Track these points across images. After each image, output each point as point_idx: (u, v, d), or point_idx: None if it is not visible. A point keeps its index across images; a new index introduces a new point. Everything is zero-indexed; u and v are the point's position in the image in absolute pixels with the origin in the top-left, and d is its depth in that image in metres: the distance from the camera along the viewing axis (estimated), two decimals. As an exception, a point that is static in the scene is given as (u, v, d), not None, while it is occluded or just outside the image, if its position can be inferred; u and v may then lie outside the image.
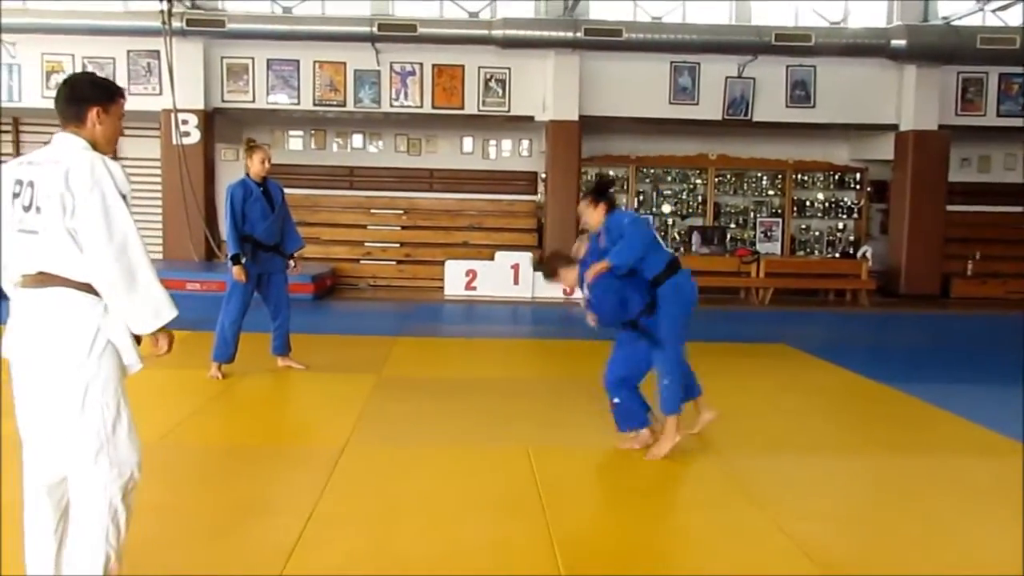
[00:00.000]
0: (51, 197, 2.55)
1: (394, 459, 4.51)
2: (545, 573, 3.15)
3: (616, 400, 4.68)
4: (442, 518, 3.70)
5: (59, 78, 12.99)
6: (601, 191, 4.80)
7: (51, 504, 2.73)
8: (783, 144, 14.56)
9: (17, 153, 14.59)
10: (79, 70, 12.92)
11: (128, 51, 12.96)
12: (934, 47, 12.77)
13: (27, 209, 2.59)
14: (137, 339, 2.71)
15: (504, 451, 4.69)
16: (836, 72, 13.31)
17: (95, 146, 2.71)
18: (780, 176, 14.89)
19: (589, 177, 14.58)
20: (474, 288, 12.68)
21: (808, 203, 14.98)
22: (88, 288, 2.61)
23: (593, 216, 4.74)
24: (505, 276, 12.62)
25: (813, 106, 13.44)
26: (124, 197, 2.61)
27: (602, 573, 3.24)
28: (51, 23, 12.55)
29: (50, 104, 10.89)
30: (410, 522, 3.64)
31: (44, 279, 2.61)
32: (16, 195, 2.62)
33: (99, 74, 10.84)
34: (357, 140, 14.69)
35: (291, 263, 6.75)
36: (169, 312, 2.67)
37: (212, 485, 4.14)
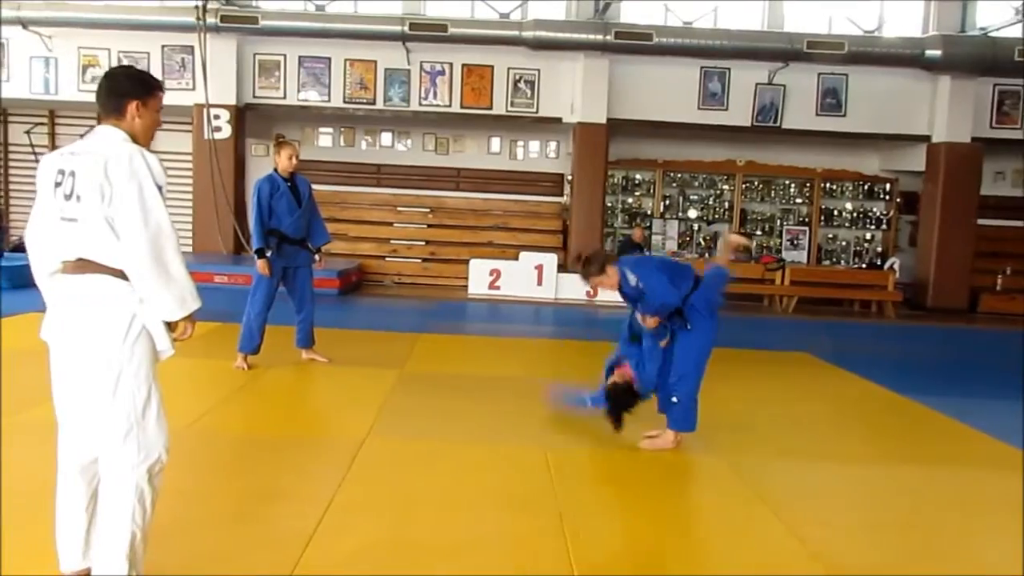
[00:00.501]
0: (91, 186, 2.62)
1: (413, 452, 4.55)
2: (558, 570, 3.17)
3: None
4: (458, 511, 3.75)
5: (95, 72, 13.21)
6: (597, 262, 4.81)
7: (83, 483, 2.81)
8: (812, 152, 14.48)
9: (53, 145, 14.85)
10: (114, 64, 13.14)
11: (163, 46, 13.14)
12: (970, 58, 12.63)
13: (68, 198, 2.67)
14: (170, 326, 2.77)
15: (522, 450, 4.72)
16: (868, 81, 13.21)
17: (134, 138, 2.77)
18: (808, 184, 14.81)
19: (616, 180, 14.61)
20: (498, 287, 12.73)
21: (836, 212, 14.89)
22: (124, 275, 2.67)
23: (609, 282, 4.77)
24: (529, 276, 12.65)
25: (844, 115, 13.35)
26: (160, 188, 2.68)
27: (614, 572, 3.26)
28: (88, 17, 12.76)
29: (86, 97, 11.16)
30: (427, 513, 3.69)
31: (83, 266, 2.69)
32: (58, 184, 2.70)
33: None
34: (386, 138, 14.79)
35: (317, 257, 6.83)
36: (193, 303, 2.74)
37: (235, 472, 4.21)
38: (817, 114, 13.41)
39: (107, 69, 3.04)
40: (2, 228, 12.04)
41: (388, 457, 4.44)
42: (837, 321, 12.02)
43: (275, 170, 6.58)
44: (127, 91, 2.79)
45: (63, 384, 2.79)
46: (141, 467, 2.71)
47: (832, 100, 13.36)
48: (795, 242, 14.71)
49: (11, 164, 14.99)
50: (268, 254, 6.46)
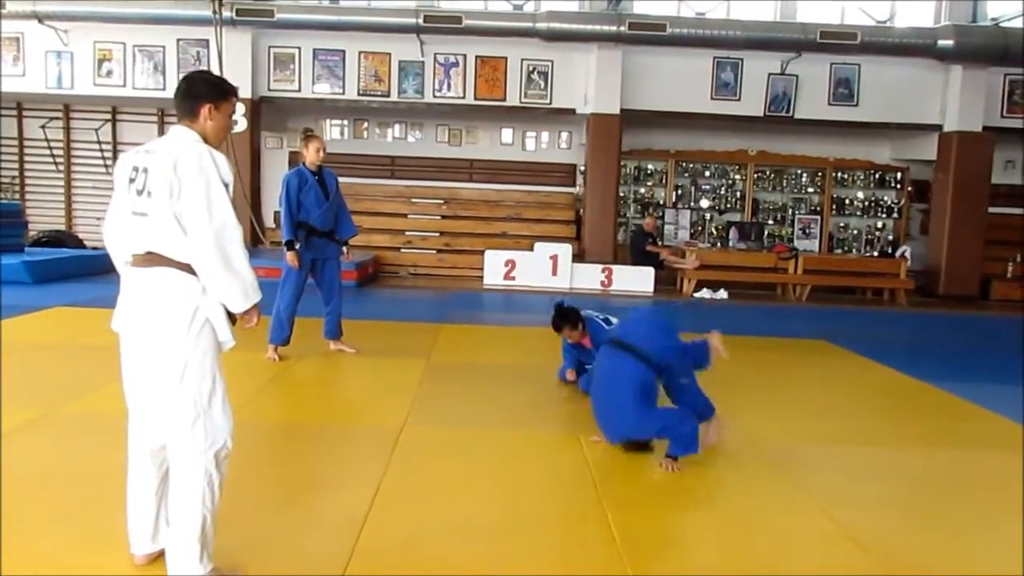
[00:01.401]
0: (161, 183, 2.72)
1: (450, 439, 4.64)
2: (604, 549, 3.28)
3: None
4: (502, 495, 3.85)
5: (110, 66, 13.32)
6: (575, 318, 5.70)
7: (154, 468, 2.92)
8: (824, 142, 14.55)
9: (68, 139, 14.95)
10: (130, 58, 13.24)
11: (178, 40, 13.23)
12: (982, 48, 12.69)
13: (140, 193, 2.78)
14: (232, 318, 2.87)
15: (556, 435, 4.83)
16: (880, 71, 13.28)
17: (205, 139, 2.88)
18: (820, 174, 14.88)
19: (628, 170, 14.68)
20: (513, 278, 12.82)
21: (848, 201, 14.97)
22: (190, 269, 2.78)
23: (579, 336, 5.75)
24: (544, 267, 12.74)
25: (856, 104, 13.41)
26: (226, 186, 2.78)
27: (657, 550, 3.37)
28: (103, 11, 12.83)
29: (101, 91, 11.32)
30: (472, 497, 3.78)
31: (151, 259, 2.79)
32: (132, 180, 2.81)
33: (149, 63, 11.11)
34: (399, 130, 14.87)
35: (344, 250, 6.92)
36: (255, 295, 2.84)
37: (279, 460, 4.31)
38: (829, 104, 13.47)
39: (187, 72, 3.14)
40: (22, 223, 12.12)
41: (427, 444, 4.54)
42: (851, 309, 12.10)
43: (303, 163, 6.66)
44: (202, 94, 2.90)
45: (133, 373, 2.89)
46: (208, 453, 2.81)
47: (844, 90, 13.42)
48: (807, 231, 14.79)
49: (26, 159, 15.10)
50: (297, 246, 6.55)
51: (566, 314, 5.69)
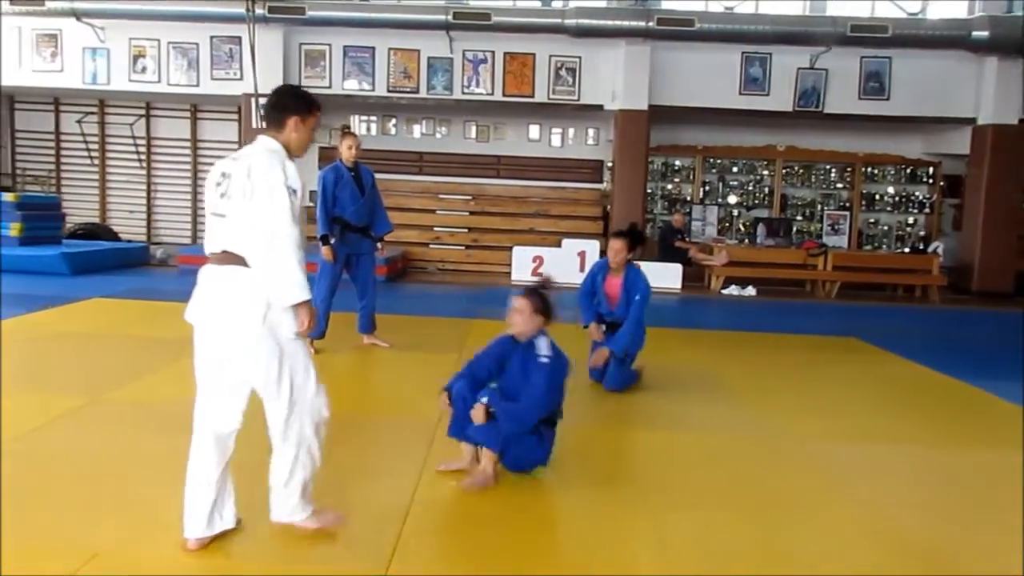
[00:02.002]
0: (237, 186, 2.95)
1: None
2: (655, 556, 3.32)
3: None
4: (539, 485, 3.90)
5: (145, 62, 13.50)
6: (636, 237, 5.95)
7: (217, 453, 3.08)
8: (854, 136, 14.46)
9: (103, 134, 15.19)
10: (164, 55, 13.42)
11: (211, 37, 13.40)
12: (1017, 39, 12.52)
13: (222, 196, 3.00)
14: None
15: (598, 429, 4.87)
16: (912, 64, 13.15)
17: (288, 149, 3.09)
18: (849, 169, 14.79)
19: (656, 166, 14.67)
20: (540, 274, 12.81)
21: (878, 196, 14.87)
22: None
23: (619, 258, 5.95)
24: (572, 263, 12.74)
25: (887, 98, 13.29)
26: (294, 192, 2.97)
27: (696, 548, 3.41)
28: (139, 9, 13.02)
29: (136, 87, 11.53)
30: (513, 486, 3.84)
31: (226, 257, 3.00)
32: (218, 184, 3.03)
33: (183, 59, 11.32)
34: (427, 126, 14.95)
35: (379, 246, 7.01)
36: (298, 294, 2.97)
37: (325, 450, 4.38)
38: (860, 98, 13.36)
39: (279, 86, 3.37)
40: (59, 215, 12.35)
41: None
42: (882, 306, 12.02)
43: (340, 159, 6.76)
44: (290, 108, 3.11)
45: (207, 362, 3.07)
46: (308, 428, 3.10)
47: (875, 84, 13.31)
48: (836, 227, 14.71)
49: (63, 153, 15.36)
50: (332, 241, 6.65)
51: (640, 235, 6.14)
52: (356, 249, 6.86)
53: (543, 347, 4.01)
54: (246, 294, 2.95)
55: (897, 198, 14.83)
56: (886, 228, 14.94)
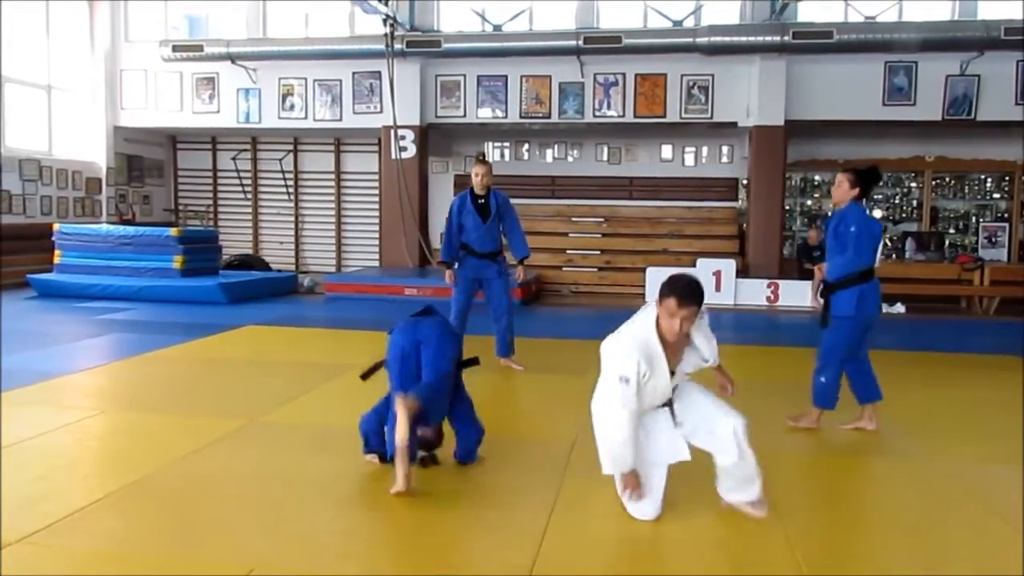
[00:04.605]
0: None
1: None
2: (784, 569, 3.26)
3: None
4: (671, 511, 3.87)
5: (293, 100, 14.31)
6: (863, 176, 5.23)
7: None
8: (1011, 144, 13.60)
9: (255, 169, 16.15)
10: (311, 92, 14.18)
11: (353, 73, 14.07)
12: None
13: None
14: None
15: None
16: (1075, 65, 12.29)
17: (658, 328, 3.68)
18: (1007, 178, 13.93)
19: (794, 183, 14.28)
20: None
21: (1040, 207, 13.92)
22: None
23: (840, 193, 5.29)
24: (707, 283, 12.48)
25: (1048, 102, 12.47)
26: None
27: (842, 564, 3.31)
28: (288, 50, 13.84)
29: (285, 124, 12.31)
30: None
31: None
32: None
33: (327, 95, 12.00)
34: (559, 150, 15.12)
35: (514, 270, 7.18)
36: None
37: (463, 469, 4.50)
38: (1017, 103, 12.59)
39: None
40: (217, 248, 13.21)
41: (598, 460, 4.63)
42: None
43: (471, 187, 6.98)
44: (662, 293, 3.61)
45: None
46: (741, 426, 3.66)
47: (1034, 88, 12.51)
48: (993, 240, 13.86)
49: (220, 188, 16.43)
50: (455, 266, 6.90)
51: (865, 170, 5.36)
52: (481, 274, 7.04)
53: None
54: None
55: (1062, 208, 13.84)
56: (1050, 240, 13.97)
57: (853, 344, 5.21)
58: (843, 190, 5.25)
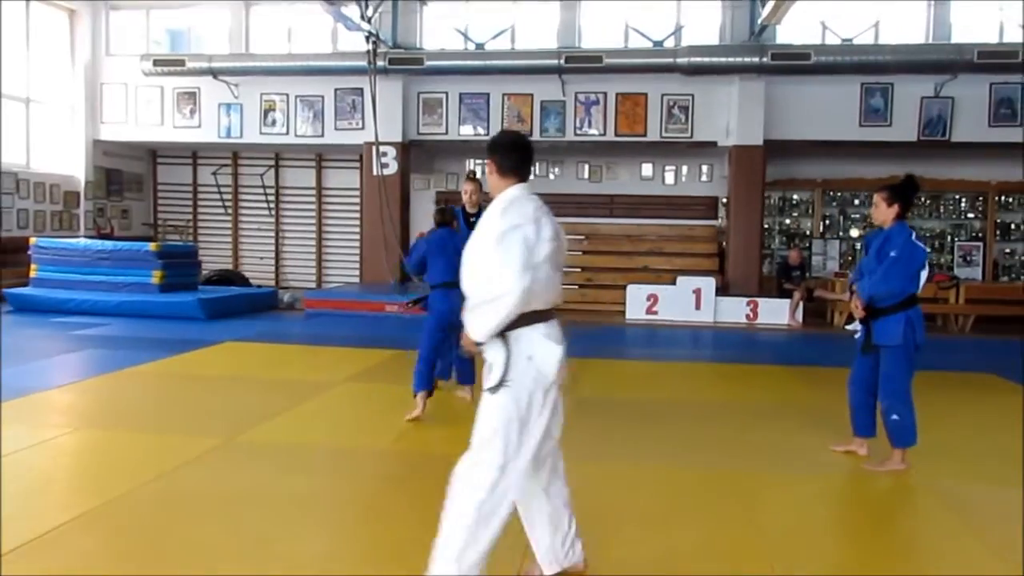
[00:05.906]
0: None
1: (607, 474, 4.68)
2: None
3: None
4: (657, 525, 3.88)
5: (275, 115, 14.29)
6: (900, 190, 4.88)
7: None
8: (985, 165, 13.83)
9: (236, 184, 16.10)
10: (292, 108, 14.18)
11: (335, 89, 14.09)
12: None
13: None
14: None
15: (718, 472, 4.80)
16: (1046, 88, 12.52)
17: None
18: (981, 198, 14.14)
19: (772, 201, 14.41)
20: (655, 312, 12.79)
21: (1013, 226, 14.13)
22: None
23: (879, 214, 4.96)
24: (687, 300, 12.64)
25: (1020, 124, 12.69)
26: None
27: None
28: (270, 66, 13.85)
29: (266, 139, 12.28)
30: (632, 532, 3.85)
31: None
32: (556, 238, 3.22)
33: (309, 111, 11.93)
34: (540, 168, 15.16)
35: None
36: None
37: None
38: (990, 125, 12.82)
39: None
40: (196, 263, 13.14)
41: (586, 479, 4.60)
42: (1020, 340, 11.35)
43: (462, 204, 6.95)
44: None
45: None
46: None
47: (1007, 110, 12.74)
48: (968, 258, 14.04)
49: (199, 203, 16.36)
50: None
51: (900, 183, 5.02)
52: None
53: None
54: None
55: (1035, 228, 14.06)
56: (1023, 259, 14.15)
57: (912, 371, 5.00)
58: (882, 210, 4.94)
